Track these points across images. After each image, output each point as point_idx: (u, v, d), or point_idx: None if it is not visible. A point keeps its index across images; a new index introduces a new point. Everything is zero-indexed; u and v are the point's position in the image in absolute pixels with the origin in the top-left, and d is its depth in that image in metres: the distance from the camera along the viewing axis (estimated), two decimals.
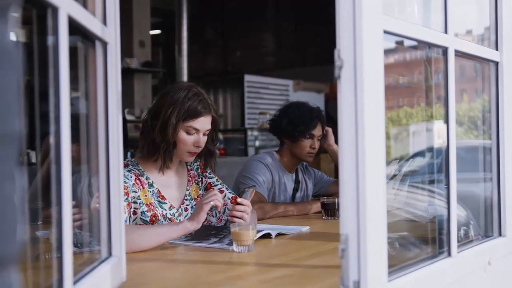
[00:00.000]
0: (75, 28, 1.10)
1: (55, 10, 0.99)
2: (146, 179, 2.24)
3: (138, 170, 2.24)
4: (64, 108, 1.01)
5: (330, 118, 4.77)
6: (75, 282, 1.08)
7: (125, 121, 3.72)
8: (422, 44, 1.62)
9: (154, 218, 2.19)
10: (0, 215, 0.55)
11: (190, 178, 2.40)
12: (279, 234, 2.20)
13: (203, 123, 2.22)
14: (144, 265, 1.76)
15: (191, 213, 2.30)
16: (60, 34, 1.00)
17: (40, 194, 1.82)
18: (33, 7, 0.98)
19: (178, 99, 2.17)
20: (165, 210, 2.24)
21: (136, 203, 2.16)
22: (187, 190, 2.37)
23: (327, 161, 6.44)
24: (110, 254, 1.37)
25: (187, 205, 2.34)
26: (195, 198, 2.37)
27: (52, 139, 1.00)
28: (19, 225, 0.58)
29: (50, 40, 1.01)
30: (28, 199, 1.20)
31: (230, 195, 2.39)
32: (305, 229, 2.36)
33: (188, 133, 2.20)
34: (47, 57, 1.01)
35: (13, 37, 0.63)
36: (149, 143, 2.22)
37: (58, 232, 1.00)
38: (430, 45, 1.57)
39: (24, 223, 0.61)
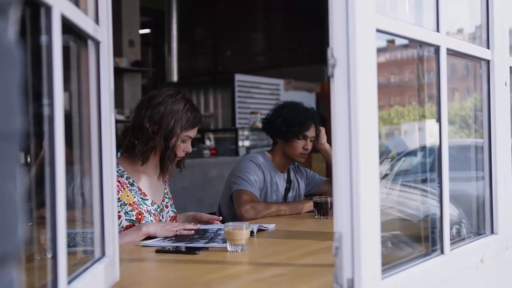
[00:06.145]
0: (67, 27, 1.10)
1: (48, 9, 0.98)
2: (126, 179, 2.28)
3: (117, 172, 2.25)
4: (58, 108, 1.00)
5: (321, 117, 4.76)
6: (69, 282, 1.07)
7: (114, 122, 3.73)
8: (413, 43, 1.63)
9: (140, 216, 2.23)
10: (2, 213, 0.55)
11: (166, 179, 2.48)
12: (259, 230, 2.25)
13: (196, 131, 2.35)
14: (138, 265, 1.76)
15: (171, 210, 2.43)
16: (53, 33, 0.99)
17: (31, 195, 1.81)
18: (25, 6, 0.97)
19: (178, 110, 2.26)
20: (148, 206, 2.29)
21: (118, 206, 2.17)
22: (165, 189, 2.46)
23: (318, 160, 6.45)
24: (103, 254, 1.37)
25: (166, 202, 2.43)
26: (171, 198, 2.48)
27: (45, 140, 0.99)
28: (20, 223, 0.58)
29: (43, 39, 1.00)
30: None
31: (172, 214, 2.45)
32: (271, 226, 2.38)
33: (184, 141, 2.30)
34: (40, 56, 1.00)
35: (13, 36, 0.63)
36: (150, 149, 2.26)
37: (53, 233, 0.99)
38: (423, 44, 1.58)
39: (24, 221, 0.61)
